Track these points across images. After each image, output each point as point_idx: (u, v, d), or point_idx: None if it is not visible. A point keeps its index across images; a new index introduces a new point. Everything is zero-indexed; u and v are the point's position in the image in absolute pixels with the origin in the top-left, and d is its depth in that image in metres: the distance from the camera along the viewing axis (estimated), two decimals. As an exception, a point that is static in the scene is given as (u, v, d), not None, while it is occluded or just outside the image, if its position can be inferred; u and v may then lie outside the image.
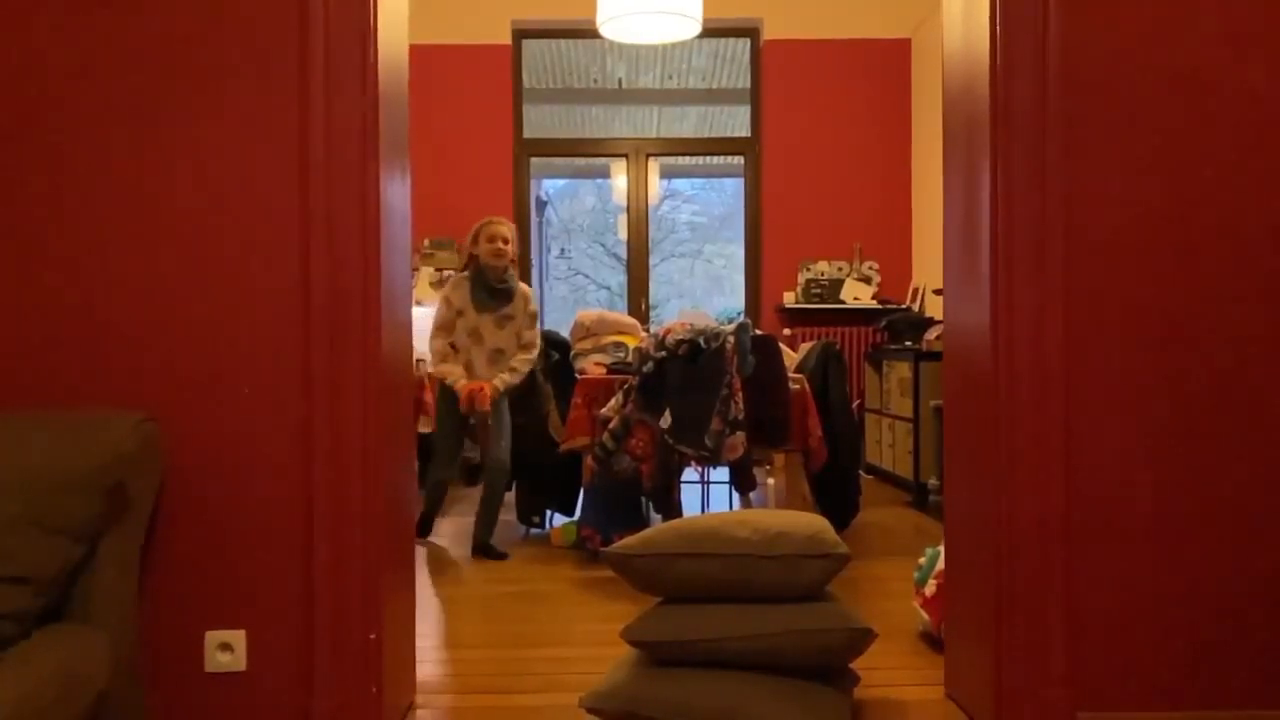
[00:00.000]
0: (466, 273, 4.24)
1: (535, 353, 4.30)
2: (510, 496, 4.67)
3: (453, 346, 4.17)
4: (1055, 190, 1.97)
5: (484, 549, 3.99)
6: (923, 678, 2.46)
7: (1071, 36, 1.97)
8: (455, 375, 4.11)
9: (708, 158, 11.24)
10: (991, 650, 2.03)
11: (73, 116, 1.95)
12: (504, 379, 4.13)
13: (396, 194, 2.16)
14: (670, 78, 8.71)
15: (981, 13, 2.04)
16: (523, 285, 4.30)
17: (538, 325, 4.35)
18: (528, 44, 7.27)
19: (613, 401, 3.95)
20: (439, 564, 3.90)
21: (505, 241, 4.14)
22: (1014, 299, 1.99)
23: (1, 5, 1.94)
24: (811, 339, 6.04)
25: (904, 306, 6.61)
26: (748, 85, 7.29)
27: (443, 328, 4.17)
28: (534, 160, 7.42)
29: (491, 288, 4.15)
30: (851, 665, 2.24)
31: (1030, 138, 1.98)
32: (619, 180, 8.27)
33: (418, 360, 5.46)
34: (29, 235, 1.95)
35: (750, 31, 7.12)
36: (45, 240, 1.95)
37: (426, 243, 6.91)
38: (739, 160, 7.67)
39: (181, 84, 1.96)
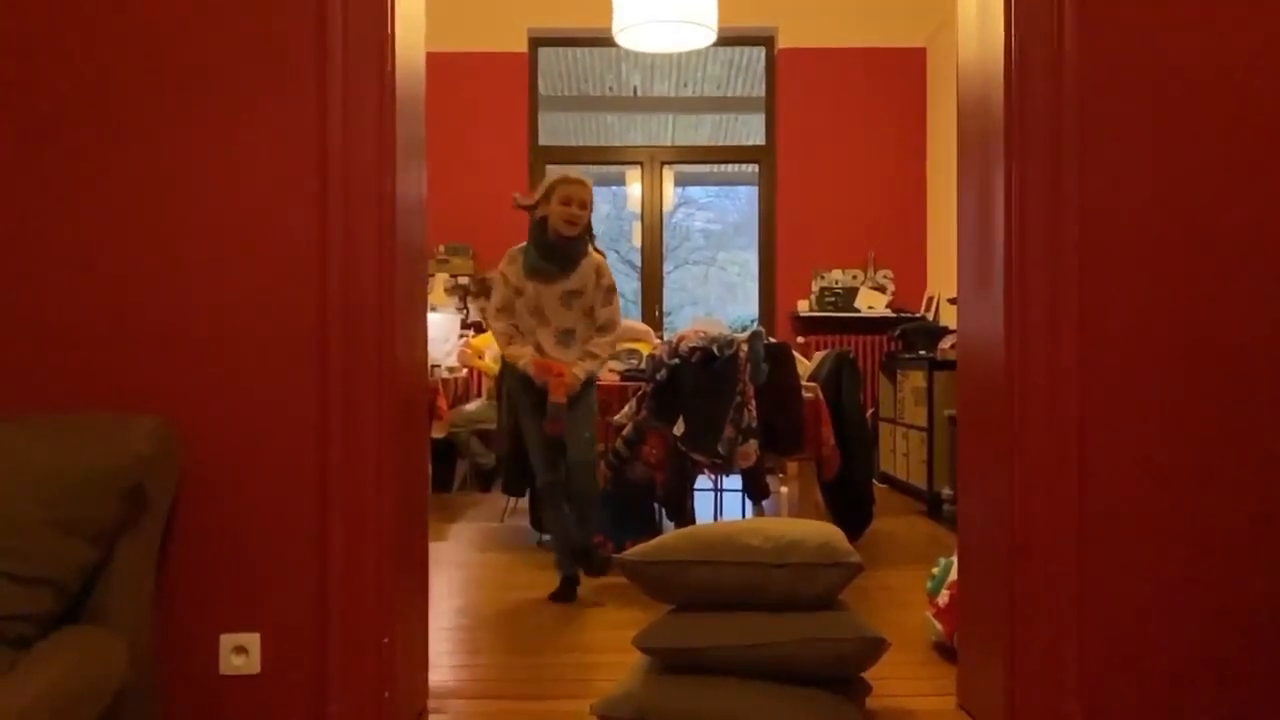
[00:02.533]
0: (523, 243, 3.48)
1: (614, 334, 3.57)
2: (523, 503, 4.68)
3: (515, 327, 3.49)
4: (1069, 200, 1.96)
5: (583, 556, 3.45)
6: (935, 688, 2.45)
7: (1087, 46, 1.97)
8: (525, 356, 3.40)
9: (722, 165, 11.26)
10: (1004, 661, 2.02)
11: (94, 122, 1.97)
12: (585, 368, 3.42)
13: (413, 200, 2.17)
14: (685, 86, 8.73)
15: (996, 23, 2.04)
16: (595, 255, 3.54)
17: (617, 300, 3.57)
18: (544, 52, 7.30)
19: (626, 408, 3.96)
20: (452, 569, 3.91)
21: (583, 206, 3.37)
22: (1028, 308, 1.98)
23: (28, 12, 1.97)
24: (825, 347, 6.03)
25: (918, 315, 6.59)
26: (762, 93, 7.30)
27: (504, 309, 3.48)
28: (549, 167, 7.45)
29: (552, 254, 3.38)
30: (863, 675, 2.23)
31: (1045, 147, 1.97)
32: (633, 188, 8.29)
33: (432, 365, 5.48)
34: (49, 240, 1.97)
35: (765, 40, 7.13)
36: (65, 244, 1.97)
37: (441, 248, 6.94)
38: (753, 168, 7.67)
39: (201, 92, 1.98)
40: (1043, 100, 1.97)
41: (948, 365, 4.99)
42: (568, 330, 3.48)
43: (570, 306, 3.45)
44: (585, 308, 3.48)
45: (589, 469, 3.45)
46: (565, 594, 3.43)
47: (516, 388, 3.52)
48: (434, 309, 6.37)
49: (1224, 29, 1.99)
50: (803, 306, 6.85)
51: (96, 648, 1.63)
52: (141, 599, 1.76)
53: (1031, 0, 1.98)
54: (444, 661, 2.70)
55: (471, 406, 6.12)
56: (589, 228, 3.49)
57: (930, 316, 6.49)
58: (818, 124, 6.91)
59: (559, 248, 3.38)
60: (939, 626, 2.72)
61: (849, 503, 4.30)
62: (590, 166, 9.91)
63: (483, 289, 6.71)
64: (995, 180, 2.05)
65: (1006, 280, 2.01)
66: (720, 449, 3.67)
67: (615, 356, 4.33)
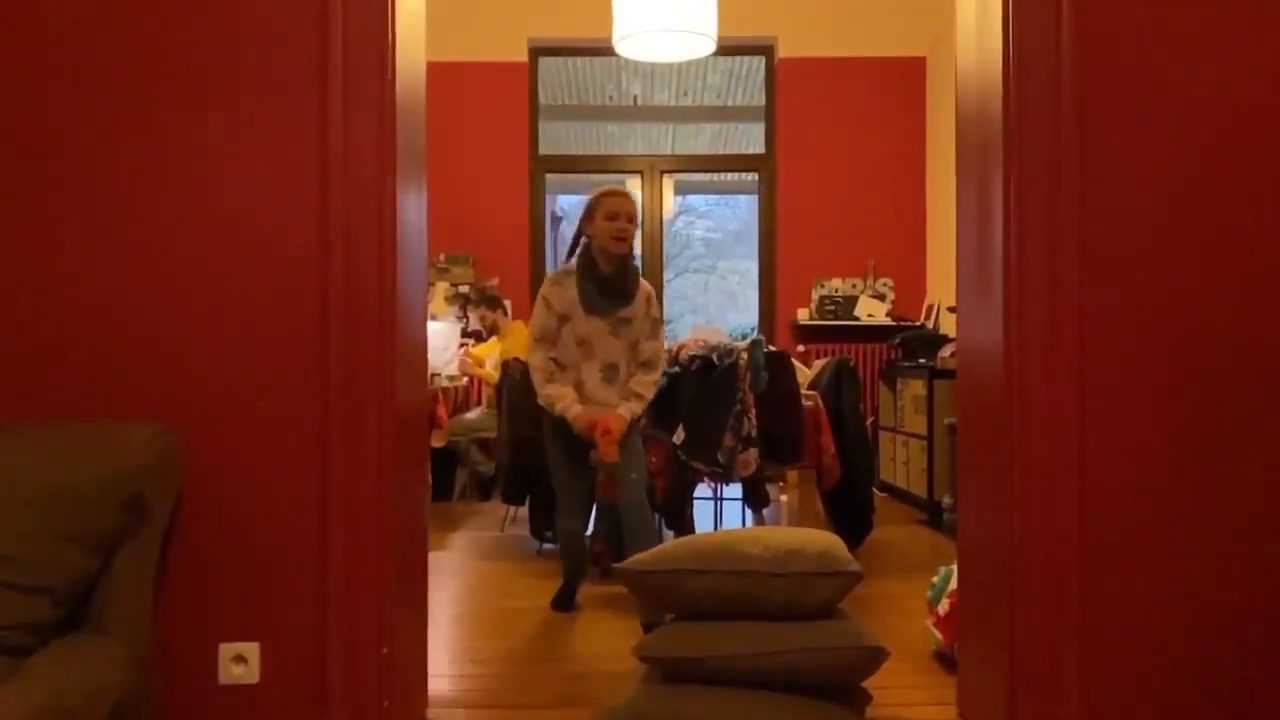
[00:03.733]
0: (572, 263, 3.19)
1: (659, 373, 3.27)
2: (523, 511, 4.67)
3: (555, 361, 3.19)
4: (1068, 209, 1.97)
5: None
6: (935, 697, 2.44)
7: (1085, 56, 1.97)
8: (566, 401, 3.12)
9: (722, 174, 11.28)
10: (1004, 671, 2.02)
11: (94, 131, 1.98)
12: (631, 409, 3.14)
13: (412, 209, 2.18)
14: (685, 95, 8.75)
15: (995, 33, 2.05)
16: (644, 283, 3.26)
17: (662, 335, 3.29)
18: (544, 61, 7.32)
19: (626, 417, 3.95)
20: (452, 578, 3.90)
21: (630, 219, 3.10)
22: (1027, 317, 1.99)
23: (27, 25, 1.97)
24: (825, 355, 6.03)
25: (918, 324, 6.59)
26: (762, 102, 7.31)
27: (543, 339, 3.17)
28: (549, 176, 7.46)
29: (606, 283, 3.11)
30: (863, 684, 2.23)
31: (1043, 157, 1.98)
32: (634, 196, 8.31)
33: (432, 374, 5.48)
34: (50, 248, 1.97)
35: (765, 49, 7.15)
36: (65, 253, 1.97)
37: (442, 257, 6.95)
38: (753, 177, 7.69)
39: (202, 101, 1.99)
40: (1041, 109, 1.98)
41: (948, 374, 4.99)
42: (613, 365, 3.20)
43: (619, 336, 3.19)
44: (632, 339, 3.21)
45: (642, 510, 3.12)
46: (564, 600, 3.38)
47: (552, 428, 3.23)
48: (434, 318, 6.38)
49: (1222, 37, 1.99)
50: (803, 315, 6.86)
51: (96, 657, 1.63)
52: (141, 608, 1.76)
53: (1029, 11, 1.99)
54: (443, 671, 2.69)
55: (471, 415, 6.12)
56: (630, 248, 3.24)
57: (930, 325, 6.49)
58: (817, 133, 6.93)
59: (614, 280, 3.12)
60: (939, 635, 2.71)
61: (849, 511, 4.29)
62: (590, 175, 9.94)
63: (483, 298, 6.72)
64: (994, 189, 2.06)
65: (1005, 289, 2.01)
66: (720, 457, 3.67)
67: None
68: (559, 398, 3.12)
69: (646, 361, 3.22)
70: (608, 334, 3.17)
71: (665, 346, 3.44)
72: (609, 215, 3.09)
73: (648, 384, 3.22)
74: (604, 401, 3.15)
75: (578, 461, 3.27)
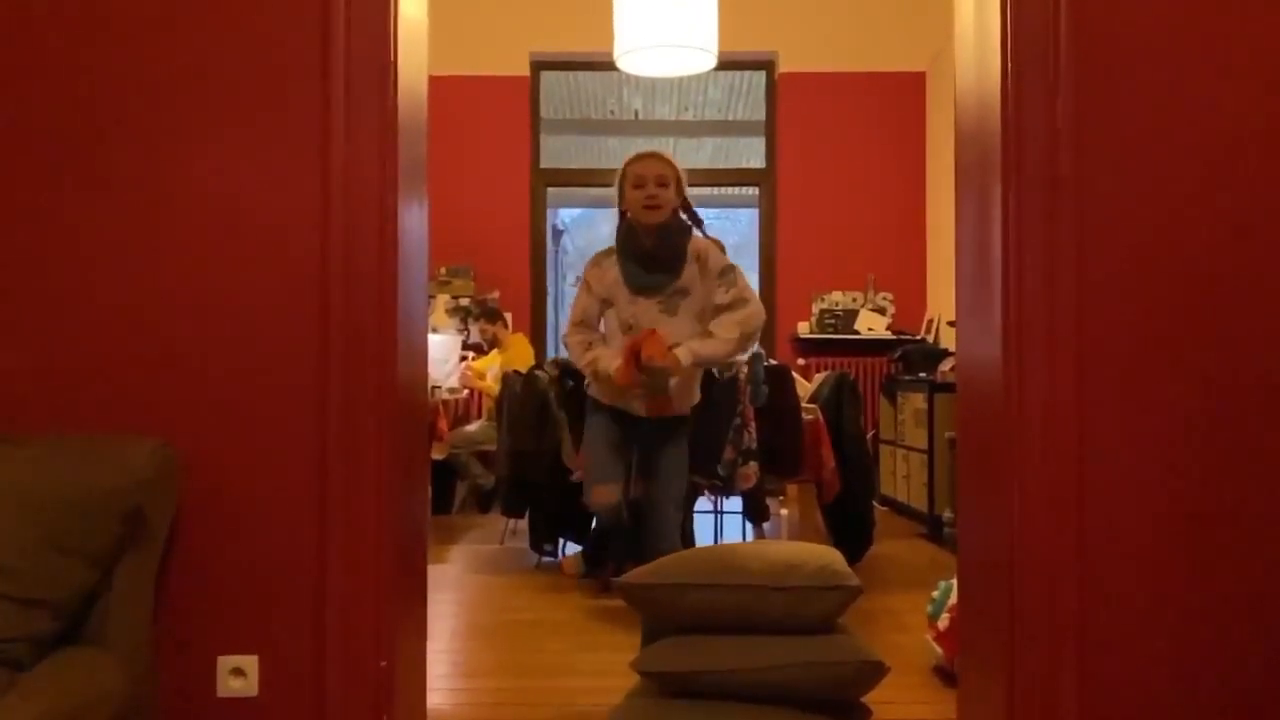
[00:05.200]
0: (611, 246, 2.91)
1: (749, 311, 2.76)
2: (522, 524, 4.67)
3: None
4: (1067, 225, 1.97)
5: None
6: (935, 713, 2.44)
7: (1083, 72, 1.98)
8: (607, 358, 2.76)
9: (723, 188, 11.31)
10: (1004, 686, 2.01)
11: (93, 140, 1.99)
12: (693, 348, 2.67)
13: (414, 222, 2.18)
14: (686, 109, 8.79)
15: (993, 49, 2.06)
16: (697, 240, 2.86)
17: (741, 278, 2.81)
18: (546, 76, 7.35)
19: (626, 430, 3.95)
20: (451, 591, 3.90)
21: (662, 183, 2.76)
22: (1026, 332, 1.99)
23: (26, 40, 1.99)
24: (826, 369, 6.04)
25: (918, 337, 6.60)
26: (763, 117, 7.34)
27: (582, 323, 2.90)
28: (550, 190, 7.48)
29: (649, 258, 2.77)
30: (863, 699, 2.22)
31: (1042, 173, 1.98)
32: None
33: (432, 386, 5.49)
34: (48, 261, 1.98)
35: (766, 64, 7.19)
36: (64, 265, 1.98)
37: (443, 270, 6.97)
38: (754, 191, 7.71)
39: (203, 115, 2.00)
40: (1039, 125, 1.99)
41: (948, 387, 4.99)
42: (673, 345, 2.75)
43: (676, 313, 2.77)
44: (696, 311, 2.79)
45: (667, 526, 2.77)
46: (597, 561, 2.97)
47: (594, 410, 2.94)
48: (435, 330, 6.39)
49: (1222, 53, 2.00)
50: (803, 328, 6.87)
51: (94, 669, 1.63)
52: (140, 621, 1.76)
53: (1028, 26, 2.00)
54: (442, 684, 2.69)
55: (472, 428, 6.12)
56: (686, 207, 2.81)
57: (930, 339, 6.50)
58: (818, 147, 6.95)
59: (657, 253, 2.74)
60: (939, 650, 2.71)
61: (849, 525, 4.29)
62: (591, 189, 9.96)
63: (484, 311, 6.73)
64: (993, 204, 2.07)
65: (1004, 303, 2.02)
66: (720, 471, 3.67)
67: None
68: (599, 357, 2.78)
69: (728, 305, 2.74)
70: (660, 313, 2.78)
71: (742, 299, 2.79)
72: (636, 183, 2.78)
73: (728, 323, 2.68)
74: (670, 390, 2.72)
75: (622, 444, 2.87)
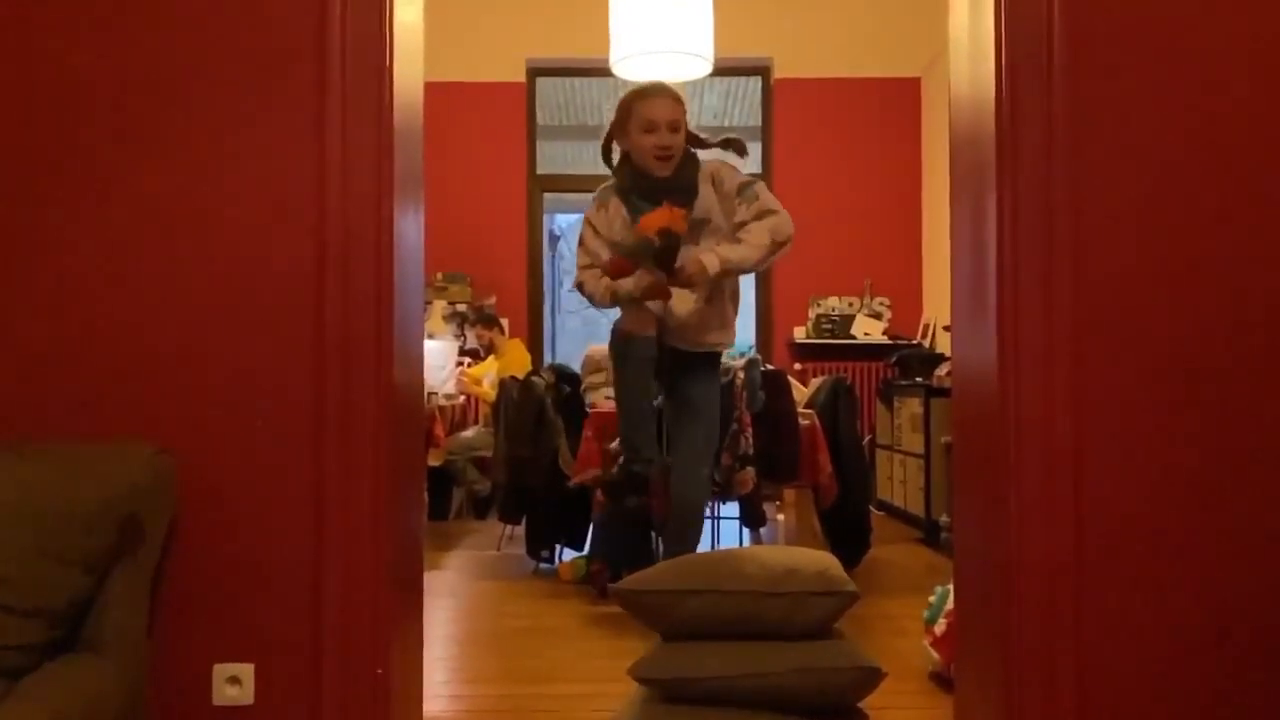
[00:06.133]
0: (613, 182, 2.63)
1: (777, 220, 2.53)
2: (519, 530, 4.67)
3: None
4: (1062, 229, 1.98)
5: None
6: (932, 718, 2.44)
7: (1078, 77, 1.99)
8: (630, 283, 2.48)
9: (719, 193, 11.30)
10: (1001, 691, 2.01)
11: (89, 151, 1.98)
12: (721, 254, 2.41)
13: (410, 229, 2.18)
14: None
15: (987, 54, 2.07)
16: (707, 162, 2.59)
17: (764, 191, 2.54)
18: (542, 82, 7.36)
19: (623, 436, 3.95)
20: (448, 598, 3.89)
21: (675, 128, 2.46)
22: (1021, 337, 1.99)
23: (19, 50, 1.99)
24: (822, 374, 6.04)
25: (915, 342, 6.61)
26: (759, 123, 7.35)
27: (591, 266, 2.63)
28: (547, 195, 7.49)
29: (660, 190, 2.49)
30: (860, 705, 2.22)
31: (1037, 177, 1.99)
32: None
33: (429, 393, 5.48)
34: (43, 267, 1.98)
35: (762, 70, 7.20)
36: (60, 273, 1.98)
37: (439, 276, 6.97)
38: (750, 196, 7.71)
39: (199, 121, 1.99)
40: (1034, 130, 1.99)
41: (944, 392, 5.00)
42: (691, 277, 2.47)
43: (698, 244, 2.50)
44: (719, 238, 2.51)
45: (694, 483, 2.51)
46: (624, 494, 2.51)
47: (623, 359, 2.58)
48: (431, 336, 6.39)
49: (1218, 58, 2.01)
50: (799, 333, 6.87)
51: (90, 677, 1.62)
52: (135, 628, 1.75)
53: (1022, 32, 2.01)
54: (439, 691, 2.68)
55: (468, 434, 6.12)
56: (698, 139, 2.49)
57: (927, 343, 6.51)
58: (814, 153, 6.96)
59: (669, 182, 2.47)
60: (936, 655, 2.71)
61: (846, 530, 4.29)
62: (588, 194, 9.94)
63: (480, 316, 6.73)
64: (987, 209, 2.07)
65: (999, 308, 2.02)
66: (716, 476, 3.67)
67: (610, 383, 4.19)
68: (616, 287, 2.46)
69: (756, 216, 2.44)
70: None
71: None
72: (646, 127, 2.44)
73: (759, 229, 2.42)
74: (701, 324, 2.47)
75: (652, 395, 2.54)
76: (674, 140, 2.44)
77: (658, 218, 2.37)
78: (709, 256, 2.39)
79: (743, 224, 2.47)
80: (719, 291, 2.56)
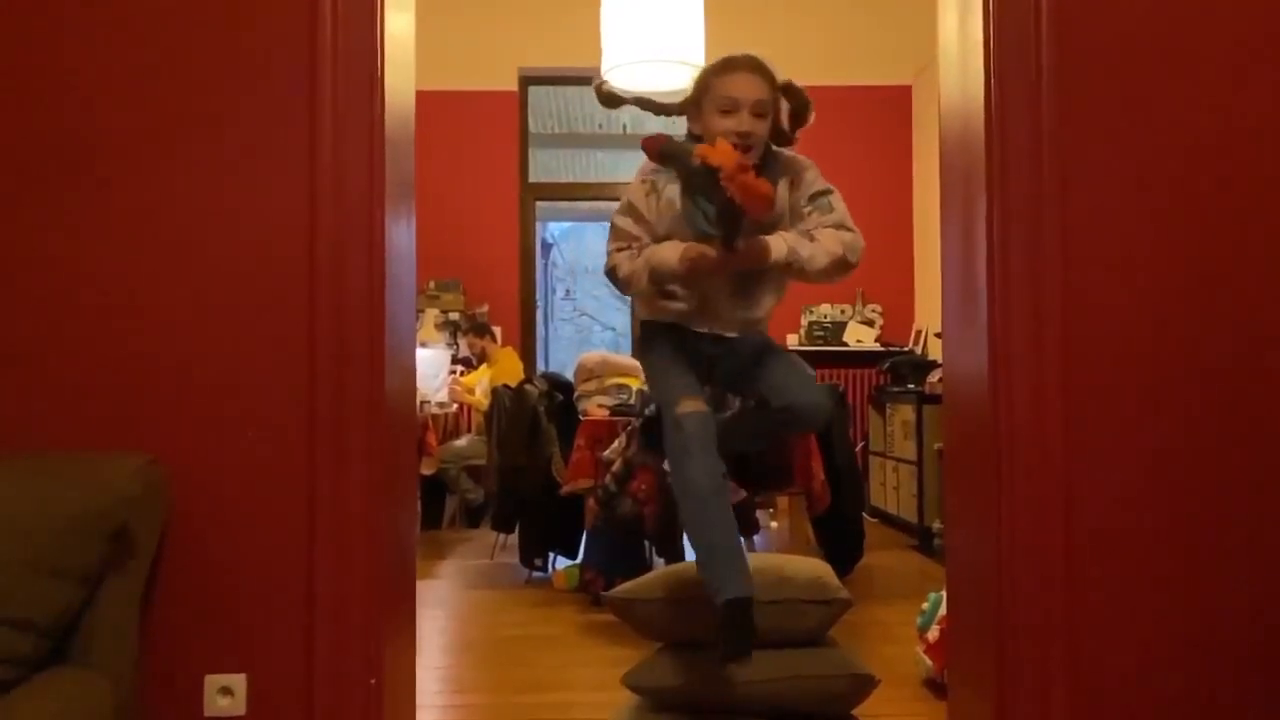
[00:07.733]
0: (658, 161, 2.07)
1: (852, 237, 2.12)
2: (512, 539, 4.66)
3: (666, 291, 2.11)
4: (1052, 237, 1.99)
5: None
6: (927, 725, 2.44)
7: (1066, 85, 2.00)
8: (666, 250, 2.04)
9: (711, 201, 11.32)
10: (994, 698, 2.02)
11: (80, 159, 1.98)
12: (789, 240, 2.03)
13: (402, 237, 2.18)
14: (674, 122, 8.80)
15: (976, 63, 2.08)
16: (782, 154, 2.17)
17: (840, 206, 2.15)
18: (534, 90, 7.37)
19: (615, 444, 3.95)
20: (441, 607, 3.88)
21: (759, 112, 2.03)
22: (1011, 344, 2.00)
23: (12, 64, 1.98)
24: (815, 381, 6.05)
25: (907, 349, 6.62)
26: (750, 130, 7.36)
27: (628, 249, 2.11)
28: (539, 204, 7.50)
29: (722, 189, 1.90)
30: (854, 711, 2.22)
31: (1026, 185, 2.00)
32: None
33: (421, 401, 5.48)
34: (35, 279, 1.97)
35: (753, 78, 7.21)
36: (52, 283, 1.97)
37: (431, 284, 6.97)
38: (742, 204, 7.72)
39: (190, 129, 1.99)
40: (1023, 138, 2.00)
41: (936, 399, 5.01)
42: (749, 274, 2.09)
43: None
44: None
45: (818, 410, 2.09)
46: (739, 637, 1.88)
47: (660, 337, 2.15)
48: (424, 345, 6.38)
49: (1206, 65, 2.02)
50: (792, 340, 6.88)
51: (81, 690, 1.61)
52: (126, 640, 1.75)
53: (1010, 39, 2.02)
54: (432, 701, 2.67)
55: (461, 442, 6.11)
56: (783, 136, 2.08)
57: (919, 350, 6.52)
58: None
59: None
60: (929, 662, 2.71)
61: (839, 537, 4.29)
62: (580, 202, 9.95)
63: (473, 325, 6.72)
64: (977, 216, 2.08)
65: (990, 315, 2.03)
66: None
67: (603, 392, 4.11)
68: (657, 249, 2.04)
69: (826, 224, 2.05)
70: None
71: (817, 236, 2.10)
72: (726, 106, 2.00)
73: (833, 237, 2.04)
74: (743, 319, 2.11)
75: (694, 375, 2.11)
76: (756, 127, 1.99)
77: (726, 154, 1.87)
78: (776, 239, 1.99)
79: (807, 232, 2.07)
80: (776, 285, 2.16)
